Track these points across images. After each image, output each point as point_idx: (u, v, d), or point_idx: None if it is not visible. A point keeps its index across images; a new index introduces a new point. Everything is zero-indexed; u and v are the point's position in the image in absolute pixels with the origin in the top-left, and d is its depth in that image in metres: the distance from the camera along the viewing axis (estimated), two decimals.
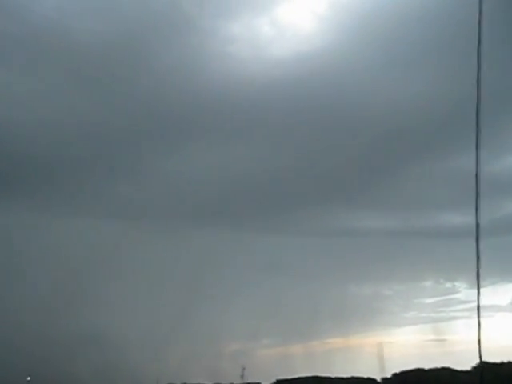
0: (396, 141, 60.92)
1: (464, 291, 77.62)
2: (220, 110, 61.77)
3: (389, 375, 50.03)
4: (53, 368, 59.20)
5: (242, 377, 41.01)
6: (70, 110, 60.33)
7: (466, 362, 42.75)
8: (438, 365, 43.49)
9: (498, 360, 42.43)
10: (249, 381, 58.88)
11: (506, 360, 43.22)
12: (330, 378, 53.76)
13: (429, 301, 74.68)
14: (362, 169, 62.63)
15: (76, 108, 60.97)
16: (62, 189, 63.70)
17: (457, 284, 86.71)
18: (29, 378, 63.85)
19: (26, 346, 58.87)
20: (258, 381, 58.96)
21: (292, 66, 62.50)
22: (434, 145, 61.95)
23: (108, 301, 61.18)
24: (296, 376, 55.63)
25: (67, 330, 61.58)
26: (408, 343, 66.93)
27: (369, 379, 52.66)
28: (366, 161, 61.92)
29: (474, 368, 39.70)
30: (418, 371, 41.95)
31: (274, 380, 58.40)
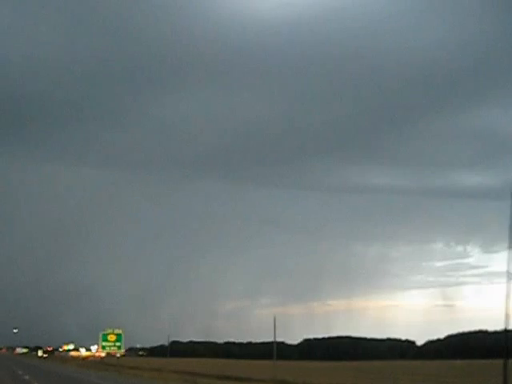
0: (412, 92, 57.57)
1: (476, 256, 75.17)
2: (220, 53, 56.84)
3: (435, 337, 45.98)
4: (40, 320, 55.12)
5: None
6: (55, 49, 54.19)
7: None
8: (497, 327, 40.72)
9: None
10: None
11: None
12: (365, 339, 49.71)
13: (438, 264, 73.55)
14: (372, 121, 59.37)
15: (63, 48, 54.81)
16: (52, 134, 58.13)
17: (468, 248, 79.74)
18: (15, 330, 59.04)
19: (12, 298, 53.79)
20: (282, 340, 56.72)
21: (301, 6, 57.41)
22: (454, 98, 59.38)
23: (98, 254, 56.84)
24: (326, 335, 51.30)
25: (56, 282, 57.03)
26: (413, 307, 63.79)
27: (407, 341, 48.63)
28: (378, 113, 58.55)
29: None
30: (480, 333, 39.69)
31: (301, 339, 53.31)
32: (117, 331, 37.93)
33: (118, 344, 37.82)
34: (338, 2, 54.45)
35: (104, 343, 37.75)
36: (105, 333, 37.57)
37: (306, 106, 59.11)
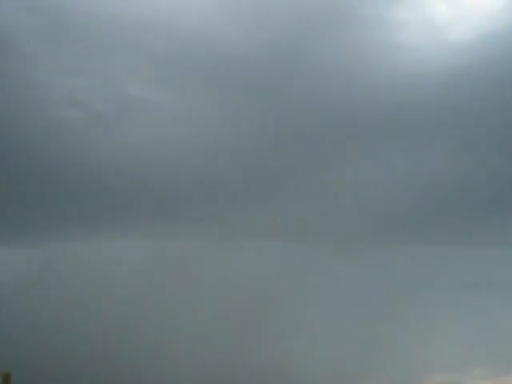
0: None
1: None
2: (394, 110, 55.29)
3: None
4: None
5: None
6: (228, 125, 56.46)
7: None
8: None
9: None
10: None
11: None
12: None
13: None
14: None
15: (234, 122, 56.92)
16: (232, 210, 60.05)
17: None
18: None
19: (206, 380, 54.83)
20: None
21: (477, 51, 54.92)
22: None
23: (292, 329, 56.35)
24: None
25: (250, 361, 57.29)
26: None
27: None
28: None
29: None
30: None
31: None
32: None
33: None
34: None
35: None
36: None
37: (501, 157, 54.69)
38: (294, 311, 61.33)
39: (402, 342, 56.12)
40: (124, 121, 51.76)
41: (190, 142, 53.35)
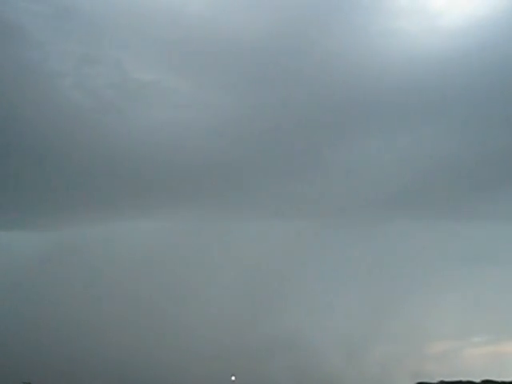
0: None
1: None
2: (393, 92, 57.39)
3: None
4: (247, 372, 56.13)
5: None
6: (232, 110, 57.87)
7: None
8: None
9: None
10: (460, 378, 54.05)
11: None
12: None
13: None
14: None
15: (239, 106, 58.33)
16: (238, 191, 61.25)
17: None
18: (233, 378, 60.21)
19: (219, 352, 55.32)
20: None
21: (469, 36, 57.29)
22: None
23: (299, 302, 57.85)
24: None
25: (260, 334, 58.30)
26: None
27: None
28: None
29: None
30: None
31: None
32: None
33: None
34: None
35: None
36: None
37: (493, 132, 57.34)
38: (300, 286, 61.04)
39: (404, 312, 56.95)
40: (134, 106, 51.10)
41: (195, 126, 52.95)
